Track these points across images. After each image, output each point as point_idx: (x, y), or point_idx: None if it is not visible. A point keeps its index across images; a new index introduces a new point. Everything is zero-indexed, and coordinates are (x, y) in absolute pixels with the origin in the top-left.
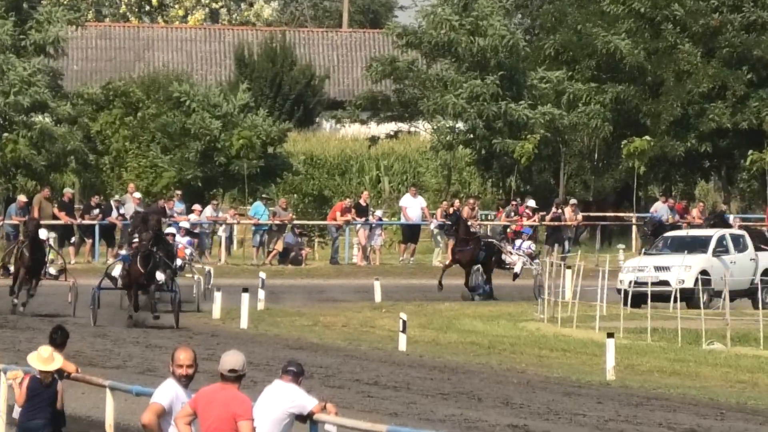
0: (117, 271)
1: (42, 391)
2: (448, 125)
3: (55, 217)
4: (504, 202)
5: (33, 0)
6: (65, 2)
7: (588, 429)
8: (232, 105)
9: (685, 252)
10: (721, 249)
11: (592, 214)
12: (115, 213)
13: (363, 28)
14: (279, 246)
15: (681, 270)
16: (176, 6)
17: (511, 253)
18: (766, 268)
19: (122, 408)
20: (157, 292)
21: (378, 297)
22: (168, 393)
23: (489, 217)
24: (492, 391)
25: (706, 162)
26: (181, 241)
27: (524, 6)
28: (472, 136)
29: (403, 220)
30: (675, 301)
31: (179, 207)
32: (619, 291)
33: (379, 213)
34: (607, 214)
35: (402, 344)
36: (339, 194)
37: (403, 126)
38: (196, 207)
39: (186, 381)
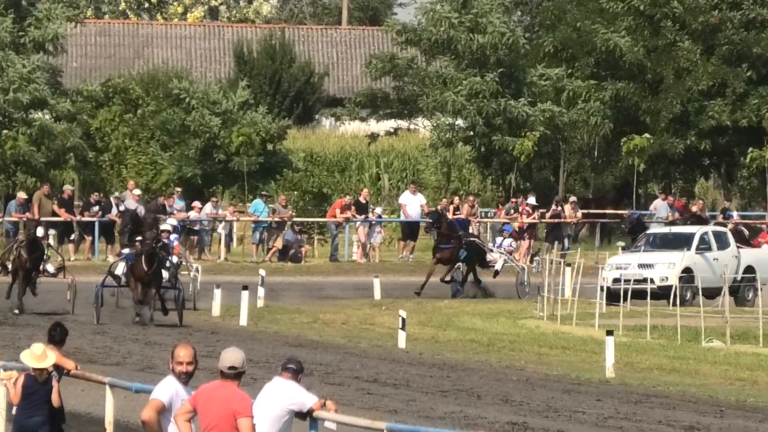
0: (120, 269)
1: (38, 389)
2: (447, 122)
3: (54, 214)
4: (504, 200)
5: None
6: None
7: (587, 426)
8: (232, 102)
9: (665, 249)
10: (703, 246)
11: (591, 211)
12: (114, 210)
13: (362, 25)
14: (278, 243)
15: (664, 267)
16: (175, 3)
17: (492, 251)
18: (748, 265)
19: (122, 405)
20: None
21: (377, 294)
22: (168, 390)
23: (489, 215)
24: (491, 388)
25: (706, 159)
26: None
27: (523, 3)
28: (471, 133)
29: (402, 218)
30: (658, 298)
31: (179, 204)
32: (602, 288)
33: (378, 210)
34: (607, 212)
35: (401, 341)
36: (338, 191)
37: (403, 123)
38: (196, 204)
39: (186, 378)
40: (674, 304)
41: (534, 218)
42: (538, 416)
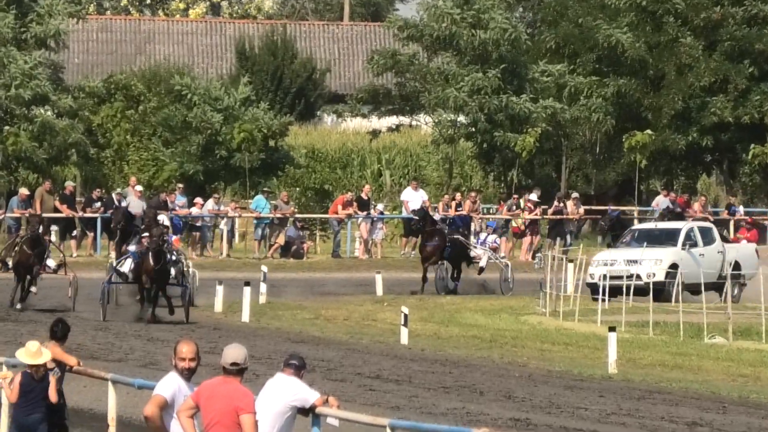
0: (127, 266)
1: (35, 386)
2: (449, 119)
3: (56, 210)
4: (505, 196)
5: None
6: None
7: (590, 423)
8: (234, 98)
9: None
10: (690, 242)
11: (593, 207)
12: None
13: (364, 21)
14: (281, 239)
15: (651, 263)
16: None
17: (476, 247)
18: (734, 261)
19: (124, 401)
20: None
21: (379, 290)
22: (170, 386)
23: (491, 211)
24: (494, 384)
25: (708, 156)
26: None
27: None
28: (473, 129)
29: (404, 214)
30: (645, 294)
31: (181, 200)
32: (588, 285)
33: (380, 206)
34: (608, 208)
35: (404, 338)
36: (340, 188)
37: (405, 119)
38: (198, 200)
39: (188, 374)
40: (658, 300)
41: (536, 214)
42: (541, 412)
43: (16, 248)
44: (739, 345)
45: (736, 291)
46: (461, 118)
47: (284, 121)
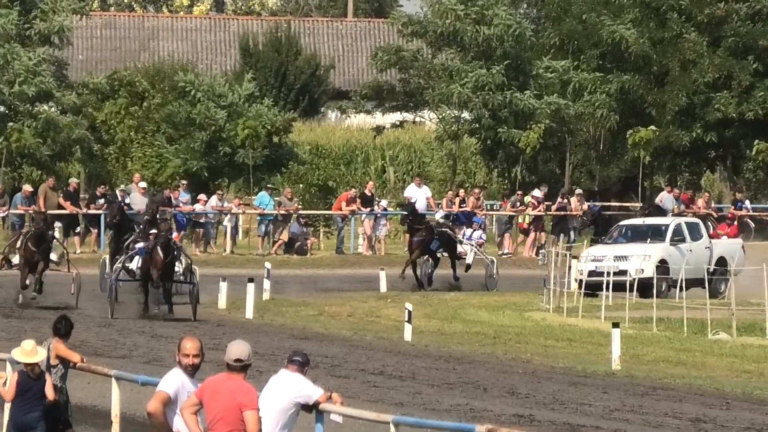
0: (134, 263)
1: (32, 385)
2: (453, 115)
3: (60, 207)
4: (509, 192)
5: None
6: None
7: (594, 419)
8: (237, 95)
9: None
10: (678, 238)
11: (597, 203)
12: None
13: (368, 17)
14: (284, 236)
15: (640, 259)
16: None
17: (462, 243)
18: (720, 257)
19: (128, 398)
20: (170, 283)
21: (383, 287)
22: (174, 382)
23: (494, 207)
24: (497, 380)
25: (712, 152)
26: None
27: None
28: (477, 125)
29: None
30: (632, 290)
31: (184, 197)
32: (577, 280)
33: (384, 203)
34: (612, 204)
35: (407, 334)
36: (344, 184)
37: (409, 116)
38: (202, 197)
39: (192, 370)
40: (646, 296)
41: (540, 211)
42: (545, 409)
43: (19, 245)
44: (742, 341)
45: (723, 287)
46: (465, 115)
47: (288, 118)
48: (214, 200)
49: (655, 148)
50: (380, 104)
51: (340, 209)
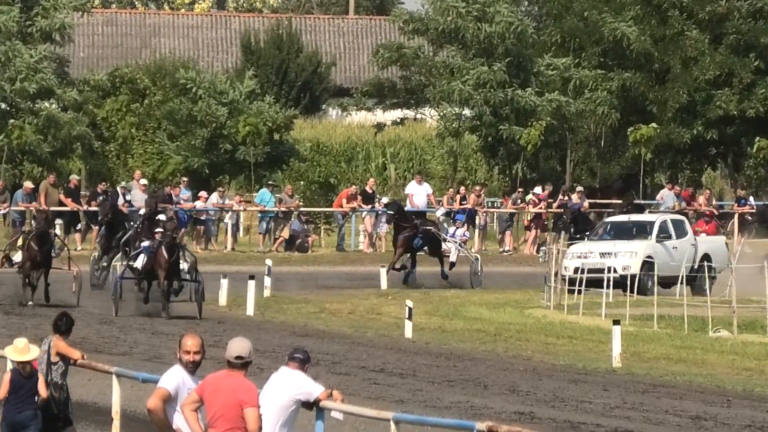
0: (140, 262)
1: (25, 383)
2: (454, 112)
3: (61, 204)
4: (510, 189)
5: None
6: None
7: (594, 416)
8: (239, 92)
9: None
10: (663, 234)
11: (598, 201)
12: (121, 200)
13: (369, 14)
14: (285, 233)
15: (626, 256)
16: None
17: (446, 240)
18: (705, 253)
19: (128, 395)
20: (178, 282)
21: (384, 284)
22: (174, 379)
23: (495, 205)
24: (498, 378)
25: (713, 149)
26: None
27: None
28: (478, 123)
29: (409, 207)
30: (618, 287)
31: (185, 194)
32: (562, 277)
33: (385, 200)
34: (613, 201)
35: (408, 331)
36: (345, 181)
37: (410, 113)
38: (202, 194)
39: (193, 367)
40: (632, 293)
41: (540, 208)
42: (545, 406)
43: (21, 243)
44: (743, 338)
45: (707, 284)
46: (466, 112)
47: (289, 115)
48: (215, 197)
49: (656, 146)
50: (381, 101)
51: (341, 206)
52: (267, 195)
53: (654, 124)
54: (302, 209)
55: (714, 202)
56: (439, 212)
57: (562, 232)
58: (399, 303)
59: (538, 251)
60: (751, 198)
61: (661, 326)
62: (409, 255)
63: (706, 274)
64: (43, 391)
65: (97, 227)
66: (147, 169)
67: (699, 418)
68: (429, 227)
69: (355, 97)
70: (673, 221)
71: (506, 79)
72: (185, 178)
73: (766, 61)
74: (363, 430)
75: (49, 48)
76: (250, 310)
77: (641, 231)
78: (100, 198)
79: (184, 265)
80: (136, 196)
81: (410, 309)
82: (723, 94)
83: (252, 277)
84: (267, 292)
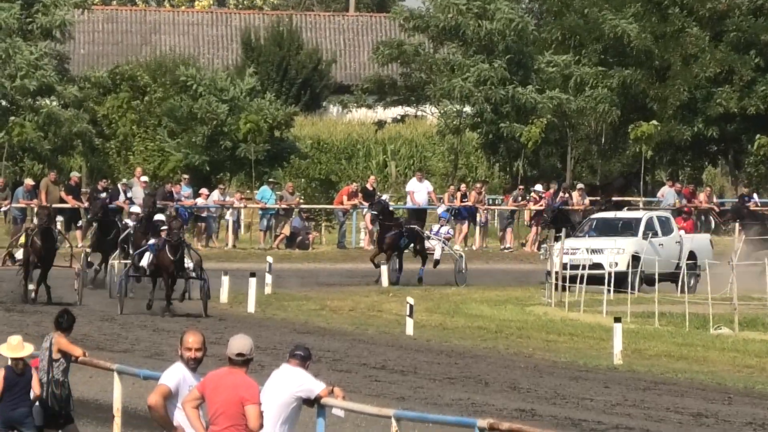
0: (145, 260)
1: (18, 380)
2: (455, 109)
3: (62, 201)
4: (511, 187)
5: None
6: None
7: (595, 413)
8: (239, 89)
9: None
10: (650, 232)
11: (599, 198)
12: (122, 197)
13: (370, 11)
14: (286, 230)
15: (614, 253)
16: None
17: (430, 238)
18: (690, 251)
19: (130, 392)
20: (184, 280)
21: (385, 281)
22: (175, 375)
23: (496, 202)
24: (499, 375)
25: (713, 146)
26: None
27: None
28: (479, 120)
29: (409, 204)
30: (607, 284)
31: (186, 191)
32: (549, 273)
33: (385, 197)
34: (613, 199)
35: (409, 328)
36: (346, 178)
37: (410, 110)
38: (203, 191)
39: (194, 364)
40: (619, 290)
41: (540, 205)
42: (546, 403)
43: (24, 240)
44: (744, 336)
45: (692, 281)
46: (467, 109)
47: (290, 112)
48: (215, 194)
49: (656, 143)
50: (382, 98)
51: (342, 203)
52: (268, 192)
53: (654, 122)
54: (303, 206)
55: (715, 200)
56: (439, 210)
57: (563, 230)
58: (400, 300)
59: (539, 248)
60: (755, 195)
61: (662, 323)
62: (395, 253)
63: (684, 271)
64: (36, 388)
65: (86, 224)
66: (148, 166)
67: (700, 416)
68: (413, 225)
69: (356, 94)
70: (659, 218)
71: (507, 76)
72: (186, 176)
73: (766, 59)
74: (364, 427)
75: (50, 45)
76: (251, 307)
77: (627, 228)
78: (102, 195)
79: (189, 263)
80: (137, 193)
81: (411, 306)
82: (723, 92)
83: (253, 275)
84: (268, 290)
